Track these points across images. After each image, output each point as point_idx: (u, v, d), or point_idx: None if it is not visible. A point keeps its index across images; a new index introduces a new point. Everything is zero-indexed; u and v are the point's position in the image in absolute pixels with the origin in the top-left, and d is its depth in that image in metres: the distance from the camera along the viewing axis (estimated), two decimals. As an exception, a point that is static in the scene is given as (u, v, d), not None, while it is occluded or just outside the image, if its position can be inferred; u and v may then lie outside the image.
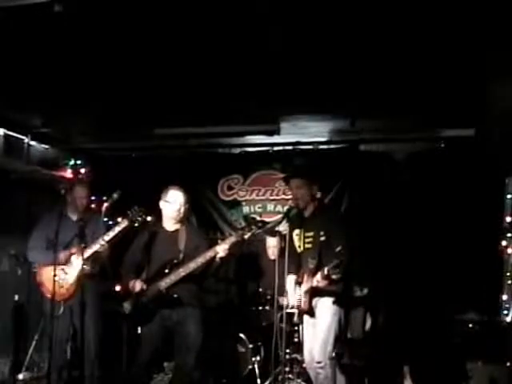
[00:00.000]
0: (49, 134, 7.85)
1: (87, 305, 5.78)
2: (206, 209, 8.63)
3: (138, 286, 5.72)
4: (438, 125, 7.30)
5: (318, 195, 5.84)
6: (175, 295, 5.67)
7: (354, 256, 5.42)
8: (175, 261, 5.71)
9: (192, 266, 5.61)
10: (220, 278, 6.92)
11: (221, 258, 5.64)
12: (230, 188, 8.65)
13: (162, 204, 5.87)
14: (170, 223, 5.90)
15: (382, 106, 6.58)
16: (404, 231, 7.45)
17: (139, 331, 5.93)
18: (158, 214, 5.98)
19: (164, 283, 5.64)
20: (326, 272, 5.24)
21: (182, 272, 5.61)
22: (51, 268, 5.66)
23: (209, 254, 5.63)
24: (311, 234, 5.68)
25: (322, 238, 5.56)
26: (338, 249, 5.26)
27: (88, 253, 5.84)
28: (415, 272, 7.24)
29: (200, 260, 5.61)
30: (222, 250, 5.61)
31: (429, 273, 7.19)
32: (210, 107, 6.75)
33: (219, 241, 5.92)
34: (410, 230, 7.44)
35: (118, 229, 5.79)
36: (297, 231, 5.83)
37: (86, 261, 5.86)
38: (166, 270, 5.67)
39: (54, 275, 5.59)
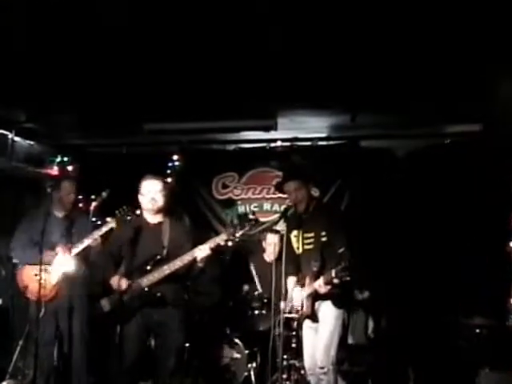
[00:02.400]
0: (34, 129, 7.84)
1: (73, 306, 5.78)
2: (200, 208, 8.62)
3: (123, 283, 5.52)
4: (442, 120, 7.32)
5: (316, 194, 5.83)
6: (158, 294, 5.54)
7: (356, 257, 5.38)
8: (158, 257, 5.58)
9: (178, 263, 5.50)
10: (213, 279, 6.93)
11: (202, 260, 5.53)
12: (224, 186, 8.65)
13: (139, 197, 5.76)
14: (150, 215, 5.77)
15: (383, 100, 6.60)
16: (407, 231, 7.46)
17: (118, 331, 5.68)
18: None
19: (146, 280, 5.51)
20: (333, 275, 5.22)
21: (166, 270, 5.49)
22: (33, 267, 5.67)
23: (194, 254, 5.52)
24: (311, 234, 5.66)
25: (324, 239, 5.55)
26: (341, 250, 5.26)
27: (73, 252, 5.86)
28: (419, 274, 7.25)
29: (187, 258, 5.51)
30: (206, 251, 5.51)
31: (433, 275, 7.20)
32: (203, 101, 6.74)
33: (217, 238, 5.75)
34: (413, 229, 7.45)
35: (105, 229, 5.80)
36: (295, 232, 5.81)
37: (71, 260, 5.88)
38: (148, 267, 5.56)
39: (40, 277, 5.58)
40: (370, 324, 7.23)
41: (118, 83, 6.22)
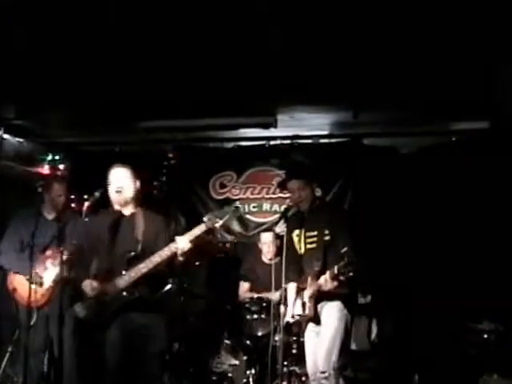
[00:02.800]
0: (23, 126, 7.82)
1: (64, 312, 5.77)
2: (197, 208, 8.57)
3: (96, 287, 5.20)
4: (448, 117, 7.30)
5: (319, 193, 5.82)
6: (136, 294, 5.21)
7: (359, 256, 5.34)
8: (133, 253, 5.24)
9: (156, 259, 5.16)
10: (209, 282, 6.92)
11: (184, 254, 5.21)
12: (222, 186, 8.62)
13: (108, 189, 5.43)
14: (120, 207, 5.43)
15: (387, 96, 6.57)
16: (412, 232, 7.44)
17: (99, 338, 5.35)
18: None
19: (122, 281, 5.17)
20: (336, 271, 5.18)
21: (143, 268, 5.15)
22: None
23: (173, 247, 5.19)
24: (314, 233, 5.63)
25: (327, 238, 5.52)
26: (344, 249, 5.22)
27: (66, 256, 5.82)
28: (425, 276, 7.23)
29: (165, 253, 5.18)
30: (184, 244, 5.18)
31: (440, 277, 7.19)
32: (200, 98, 6.72)
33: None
34: (419, 230, 7.43)
35: None
36: (296, 232, 5.79)
37: (63, 264, 5.84)
38: (123, 265, 5.22)
39: (30, 281, 5.57)
40: (374, 328, 7.21)
41: (112, 79, 6.18)
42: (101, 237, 5.31)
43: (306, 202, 5.69)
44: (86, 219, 5.29)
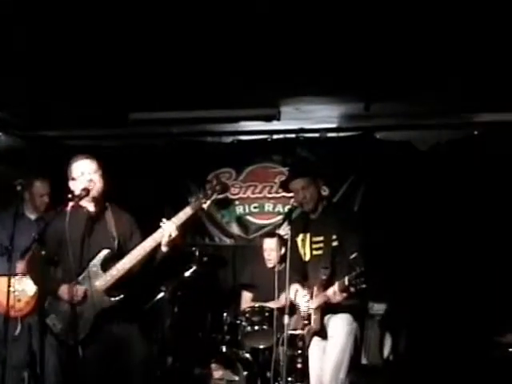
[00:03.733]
0: (2, 118, 7.81)
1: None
2: (192, 209, 8.59)
3: (79, 292, 4.96)
4: (470, 108, 7.27)
5: (326, 192, 5.79)
6: (114, 299, 5.03)
7: (370, 264, 5.26)
8: (107, 251, 5.08)
9: (136, 255, 5.01)
10: (206, 289, 6.90)
11: (169, 243, 5.05)
12: (220, 184, 8.62)
13: (70, 185, 5.23)
14: (88, 204, 5.24)
15: (402, 85, 6.53)
16: (430, 235, 7.46)
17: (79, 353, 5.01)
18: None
19: (99, 284, 5.00)
20: (346, 282, 5.09)
21: (126, 264, 5.00)
22: (5, 279, 5.62)
23: (157, 237, 5.05)
24: (320, 238, 5.58)
25: (335, 243, 5.47)
26: (354, 256, 5.18)
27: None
28: (444, 284, 7.23)
29: (147, 245, 5.03)
30: (171, 230, 5.03)
31: (461, 286, 7.17)
32: (196, 87, 6.69)
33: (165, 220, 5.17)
34: (438, 233, 7.45)
35: None
36: (301, 236, 5.74)
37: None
38: (100, 266, 5.05)
39: (9, 286, 5.54)
40: (387, 342, 7.22)
41: (99, 66, 6.14)
42: (68, 236, 4.97)
43: (311, 202, 5.62)
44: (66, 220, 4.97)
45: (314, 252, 5.64)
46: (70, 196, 5.07)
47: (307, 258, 5.70)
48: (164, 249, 5.07)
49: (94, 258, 5.07)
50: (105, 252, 5.08)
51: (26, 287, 6.01)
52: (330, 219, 5.60)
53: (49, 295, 5.09)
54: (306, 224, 5.74)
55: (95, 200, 5.21)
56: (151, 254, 5.08)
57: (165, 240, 5.02)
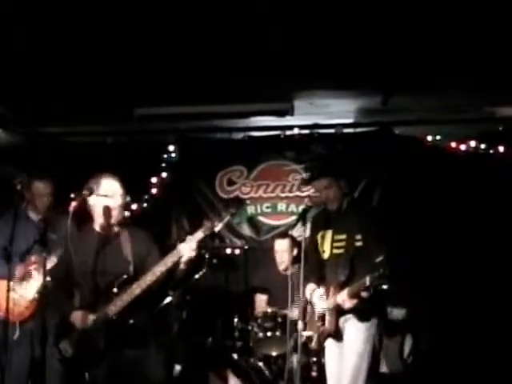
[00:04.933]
0: (1, 114, 7.87)
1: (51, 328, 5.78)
2: (201, 209, 8.59)
3: (89, 319, 5.10)
4: (494, 102, 7.29)
5: (347, 189, 5.81)
6: (129, 322, 5.13)
7: (396, 267, 5.23)
8: (124, 276, 5.15)
9: (149, 278, 5.07)
10: (216, 295, 6.90)
11: (187, 263, 5.13)
12: (230, 183, 8.64)
13: (93, 200, 5.31)
14: (102, 225, 5.34)
15: (420, 78, 6.56)
16: (452, 236, 7.48)
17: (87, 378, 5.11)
18: (85, 214, 5.42)
19: (114, 307, 5.06)
20: (367, 282, 5.10)
21: (136, 289, 5.07)
22: (5, 282, 5.68)
23: (170, 260, 5.10)
24: (343, 236, 5.58)
25: (359, 244, 5.49)
26: (379, 259, 5.15)
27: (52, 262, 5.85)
28: (466, 288, 7.23)
29: (159, 269, 5.08)
30: (187, 250, 5.08)
31: (484, 289, 7.18)
32: (205, 81, 6.72)
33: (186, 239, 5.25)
34: (460, 234, 7.46)
35: None
36: (321, 233, 5.76)
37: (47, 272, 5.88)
38: (115, 290, 5.12)
39: (9, 289, 5.59)
40: (407, 346, 7.22)
41: (104, 60, 6.20)
42: (85, 258, 5.18)
43: (334, 202, 5.68)
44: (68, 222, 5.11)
45: (335, 250, 5.64)
46: (72, 196, 5.15)
47: (326, 255, 5.70)
48: (182, 267, 5.16)
49: (109, 281, 5.15)
50: (120, 278, 5.15)
51: (25, 291, 6.05)
52: (353, 218, 5.60)
53: (61, 319, 5.20)
54: (327, 220, 5.77)
55: (111, 223, 5.32)
56: (163, 278, 5.15)
57: (185, 259, 5.11)
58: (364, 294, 5.21)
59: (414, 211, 7.69)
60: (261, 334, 7.05)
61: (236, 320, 7.33)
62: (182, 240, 5.21)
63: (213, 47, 5.92)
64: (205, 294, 7.64)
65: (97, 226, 5.33)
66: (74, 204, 5.33)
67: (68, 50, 5.97)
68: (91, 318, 5.08)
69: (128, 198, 5.48)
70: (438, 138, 8.01)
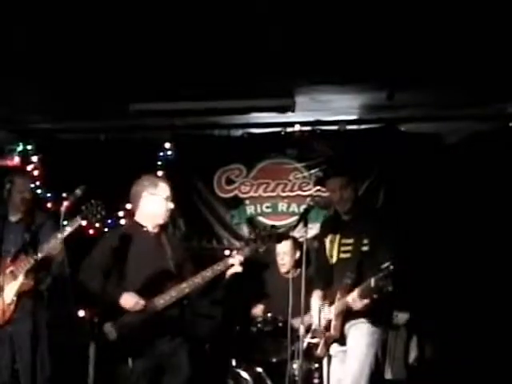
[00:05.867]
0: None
1: (32, 333, 5.81)
2: (198, 209, 8.65)
3: (139, 304, 5.52)
4: (505, 97, 7.28)
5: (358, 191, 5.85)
6: (172, 317, 5.71)
7: (402, 270, 5.24)
8: (167, 271, 5.76)
9: (197, 281, 5.70)
10: (214, 298, 6.92)
11: (232, 276, 5.81)
12: (229, 182, 8.65)
13: (146, 197, 5.87)
14: (152, 224, 5.91)
15: (428, 72, 6.56)
16: (459, 238, 7.47)
17: (129, 365, 5.49)
18: (128, 212, 5.99)
19: (162, 301, 5.62)
20: (372, 284, 5.13)
21: (185, 288, 5.66)
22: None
23: (219, 268, 5.75)
24: (350, 241, 5.62)
25: (365, 248, 5.52)
26: (386, 265, 5.12)
27: (30, 263, 5.90)
28: (474, 291, 7.25)
29: (208, 275, 5.70)
30: (237, 263, 5.79)
31: (492, 292, 7.19)
32: (203, 76, 6.76)
33: (234, 252, 5.98)
34: (468, 236, 7.45)
35: (69, 229, 5.71)
36: (330, 237, 5.78)
37: (28, 274, 5.94)
38: (159, 284, 5.68)
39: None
40: (412, 351, 7.23)
41: (97, 52, 6.20)
42: (127, 252, 5.72)
43: (348, 203, 5.68)
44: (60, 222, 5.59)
45: (342, 255, 5.68)
46: (64, 195, 5.24)
47: (334, 260, 5.74)
48: (228, 277, 5.85)
49: (153, 275, 5.70)
50: (164, 272, 5.74)
51: (3, 294, 6.07)
52: (362, 222, 5.65)
53: (107, 301, 5.57)
54: (336, 224, 5.80)
55: (157, 223, 5.94)
56: (210, 282, 5.79)
57: (231, 272, 5.82)
58: (375, 295, 5.21)
59: (421, 213, 7.67)
60: (260, 340, 7.08)
61: (235, 325, 7.39)
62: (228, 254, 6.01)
63: (211, 41, 5.94)
64: (203, 299, 7.67)
65: (149, 225, 5.90)
66: (66, 204, 5.42)
67: (59, 40, 5.99)
68: (142, 303, 5.51)
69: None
70: (446, 135, 7.99)
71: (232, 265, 5.77)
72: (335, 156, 8.08)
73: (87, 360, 5.56)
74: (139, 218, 5.92)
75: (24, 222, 6.28)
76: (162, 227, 6.01)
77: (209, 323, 7.72)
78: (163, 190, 5.89)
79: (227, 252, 6.07)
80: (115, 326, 5.55)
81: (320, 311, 5.74)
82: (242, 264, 5.79)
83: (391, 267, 5.09)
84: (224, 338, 7.53)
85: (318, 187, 7.65)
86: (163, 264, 5.78)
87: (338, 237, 5.73)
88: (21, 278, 5.97)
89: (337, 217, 5.85)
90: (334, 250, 5.74)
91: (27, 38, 5.88)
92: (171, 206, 5.94)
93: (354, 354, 5.51)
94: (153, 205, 5.87)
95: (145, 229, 5.88)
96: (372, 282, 5.15)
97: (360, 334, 5.52)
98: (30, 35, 5.82)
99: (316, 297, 5.82)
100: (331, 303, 5.64)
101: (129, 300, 5.51)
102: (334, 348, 5.67)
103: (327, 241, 5.83)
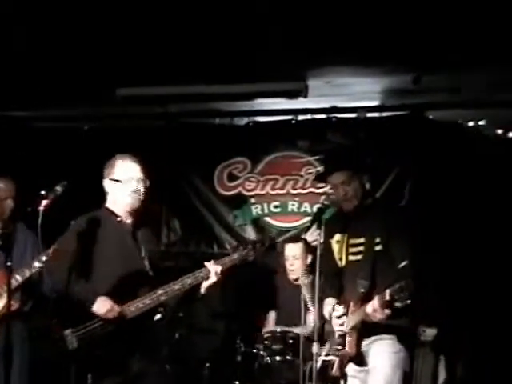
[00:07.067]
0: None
1: (11, 349, 5.83)
2: (197, 209, 8.68)
3: (113, 310, 5.25)
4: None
5: (368, 187, 5.80)
6: (143, 330, 5.37)
7: (423, 275, 5.27)
8: (143, 273, 5.51)
9: (177, 288, 5.43)
10: (214, 311, 6.93)
11: (209, 288, 5.55)
12: (231, 177, 8.70)
13: (108, 184, 5.63)
14: (123, 212, 5.63)
15: (459, 53, 6.53)
16: (495, 241, 7.48)
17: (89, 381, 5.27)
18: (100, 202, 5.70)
19: (134, 309, 5.31)
20: (387, 297, 5.02)
21: (161, 296, 5.38)
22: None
23: (201, 275, 5.50)
24: (360, 240, 5.54)
25: (378, 248, 5.45)
26: (403, 264, 5.15)
27: (17, 281, 5.91)
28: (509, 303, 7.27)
29: (189, 281, 5.46)
30: (213, 272, 5.53)
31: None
32: (202, 56, 6.75)
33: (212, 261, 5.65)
34: (505, 239, 7.47)
35: (45, 258, 5.61)
36: (337, 237, 5.73)
37: (13, 292, 5.94)
38: (133, 288, 5.41)
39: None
40: (441, 371, 7.24)
41: (80, 31, 6.19)
42: (99, 250, 5.45)
43: (353, 200, 5.59)
44: (74, 222, 5.50)
45: (351, 257, 5.61)
46: (43, 193, 5.21)
47: (343, 263, 5.68)
48: (203, 291, 5.57)
49: (125, 278, 5.41)
50: (138, 275, 5.48)
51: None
52: (372, 218, 5.55)
53: (79, 303, 5.31)
54: (343, 222, 5.71)
55: (135, 214, 5.66)
56: (189, 291, 5.54)
57: (207, 284, 5.53)
58: (397, 304, 5.08)
59: (449, 212, 7.69)
60: (268, 359, 7.09)
61: (238, 341, 7.38)
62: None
63: (212, 19, 5.94)
64: (201, 311, 7.68)
65: (121, 214, 5.61)
66: (44, 203, 5.40)
67: (39, 22, 6.03)
68: (116, 311, 5.25)
69: (148, 183, 5.65)
70: (480, 123, 7.99)
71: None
72: (336, 145, 8.07)
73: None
74: (110, 204, 5.69)
75: (4, 232, 6.28)
76: (138, 217, 5.71)
77: (208, 339, 7.71)
78: (124, 171, 5.61)
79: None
80: (77, 333, 5.27)
81: (332, 323, 5.74)
82: (219, 274, 5.52)
83: (409, 267, 5.11)
84: (225, 356, 7.52)
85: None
86: (138, 264, 5.55)
87: (345, 237, 5.67)
88: (3, 296, 5.99)
89: (343, 213, 5.76)
90: (343, 252, 5.69)
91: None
92: (140, 187, 5.59)
93: (378, 377, 5.41)
94: (115, 190, 5.63)
95: (118, 218, 5.63)
96: (387, 294, 5.02)
97: (383, 351, 5.43)
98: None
99: (326, 306, 5.80)
100: (344, 315, 5.57)
101: (102, 305, 5.25)
102: (353, 368, 5.58)
103: (333, 242, 5.77)
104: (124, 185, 5.57)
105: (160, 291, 5.40)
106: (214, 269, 5.52)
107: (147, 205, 5.74)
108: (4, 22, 5.98)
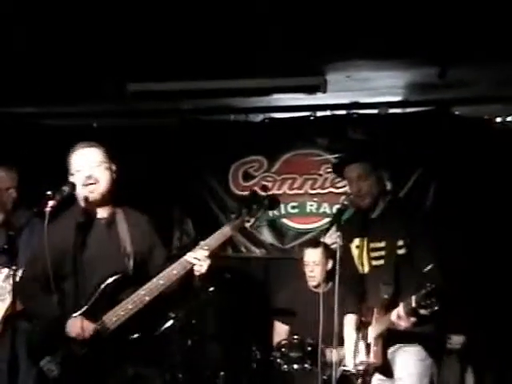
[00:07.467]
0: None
1: (18, 361, 5.83)
2: (211, 209, 8.70)
3: (88, 329, 4.88)
4: None
5: (389, 186, 5.76)
6: (132, 336, 4.98)
7: (450, 279, 5.25)
8: (120, 274, 4.97)
9: (161, 283, 4.91)
10: (226, 317, 6.90)
11: (202, 276, 4.99)
12: (247, 176, 8.71)
13: (71, 179, 5.15)
14: (91, 207, 5.13)
15: (487, 46, 6.51)
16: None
17: None
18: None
19: (115, 318, 4.91)
20: (413, 303, 4.98)
21: (145, 296, 4.91)
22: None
23: (189, 260, 4.96)
24: (381, 244, 5.52)
25: (402, 251, 5.42)
26: (428, 268, 5.07)
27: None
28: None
29: (175, 272, 4.94)
30: (201, 259, 4.96)
31: None
32: (216, 50, 6.74)
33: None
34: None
35: None
36: (356, 242, 5.71)
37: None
38: (111, 294, 4.96)
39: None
40: (469, 381, 7.23)
41: (90, 25, 6.19)
42: (68, 251, 5.04)
43: (367, 197, 5.55)
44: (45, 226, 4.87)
45: (374, 262, 5.59)
46: (49, 193, 5.10)
47: (366, 270, 5.66)
48: (198, 282, 5.10)
49: (101, 283, 4.98)
50: (115, 277, 4.98)
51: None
52: (394, 219, 5.52)
53: (47, 330, 5.05)
54: (362, 225, 5.68)
55: (101, 202, 5.17)
56: (180, 284, 5.05)
57: (196, 272, 4.99)
58: (423, 311, 5.02)
59: (477, 214, 7.67)
60: (285, 367, 7.05)
61: (254, 349, 7.37)
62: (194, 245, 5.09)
63: (226, 11, 5.91)
64: (214, 317, 7.67)
65: (82, 207, 5.12)
66: (51, 203, 5.33)
67: (46, 15, 6.01)
68: (91, 329, 4.89)
69: (114, 167, 5.24)
70: (508, 119, 7.96)
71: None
72: (352, 139, 8.05)
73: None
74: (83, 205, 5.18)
75: (7, 225, 6.29)
76: (110, 208, 5.20)
77: (222, 346, 7.70)
78: (73, 164, 5.20)
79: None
80: (55, 360, 4.99)
81: (354, 332, 5.72)
82: (208, 260, 4.96)
83: (435, 271, 5.05)
84: (239, 366, 7.51)
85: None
86: (117, 264, 5.03)
87: (365, 241, 5.64)
88: (8, 295, 5.99)
89: (360, 215, 5.73)
90: (364, 257, 5.66)
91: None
92: (91, 180, 5.04)
93: None
94: (77, 181, 5.10)
95: (89, 214, 5.15)
96: (413, 300, 4.98)
97: (409, 360, 5.43)
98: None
99: (349, 320, 5.78)
100: (368, 324, 5.57)
101: (73, 327, 4.91)
102: (378, 377, 5.59)
103: (353, 247, 5.74)
104: (76, 179, 5.10)
105: (142, 292, 4.93)
106: (199, 255, 4.96)
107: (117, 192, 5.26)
108: (13, 17, 5.98)
